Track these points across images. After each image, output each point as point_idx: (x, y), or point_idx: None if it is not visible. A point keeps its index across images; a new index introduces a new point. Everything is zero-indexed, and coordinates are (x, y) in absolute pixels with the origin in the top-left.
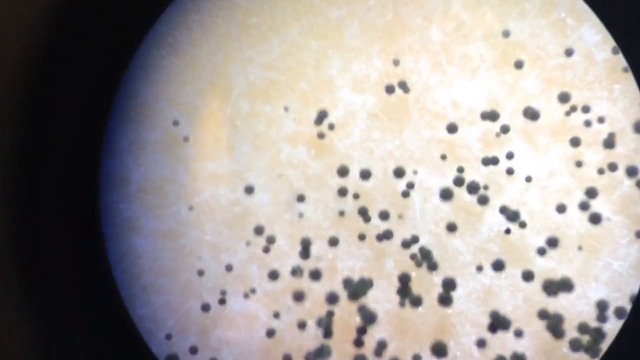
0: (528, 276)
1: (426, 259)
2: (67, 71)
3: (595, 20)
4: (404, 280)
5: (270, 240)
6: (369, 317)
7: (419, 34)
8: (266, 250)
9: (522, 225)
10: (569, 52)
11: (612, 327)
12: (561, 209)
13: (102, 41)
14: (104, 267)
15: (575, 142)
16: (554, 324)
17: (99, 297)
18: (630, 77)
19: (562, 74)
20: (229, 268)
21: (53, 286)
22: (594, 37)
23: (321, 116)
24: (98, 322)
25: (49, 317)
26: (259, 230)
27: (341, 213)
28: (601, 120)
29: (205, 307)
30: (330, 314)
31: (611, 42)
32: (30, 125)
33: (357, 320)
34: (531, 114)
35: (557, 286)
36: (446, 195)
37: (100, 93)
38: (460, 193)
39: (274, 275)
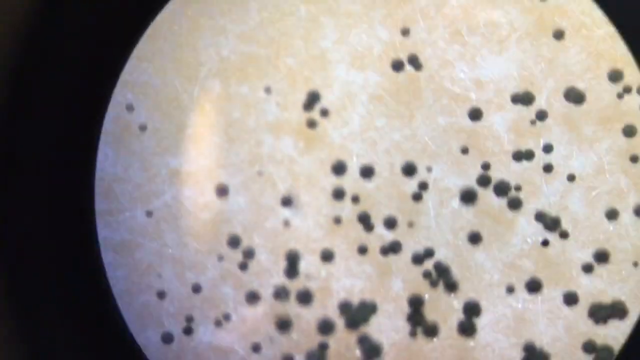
0: (571, 299)
1: (443, 278)
2: None
3: None
4: (416, 304)
5: (249, 254)
6: (371, 351)
7: None
8: (243, 266)
9: (564, 235)
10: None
11: None
12: (612, 215)
13: None
14: None
15: (629, 131)
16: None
17: None
18: None
19: (612, 46)
20: (196, 289)
21: None
22: None
23: (312, 99)
24: None
25: None
26: (234, 242)
27: (337, 220)
28: None
29: (167, 338)
30: (323, 347)
31: None
32: None
33: (357, 354)
34: (574, 97)
35: (607, 312)
36: (468, 198)
37: None
38: (486, 195)
39: (252, 298)
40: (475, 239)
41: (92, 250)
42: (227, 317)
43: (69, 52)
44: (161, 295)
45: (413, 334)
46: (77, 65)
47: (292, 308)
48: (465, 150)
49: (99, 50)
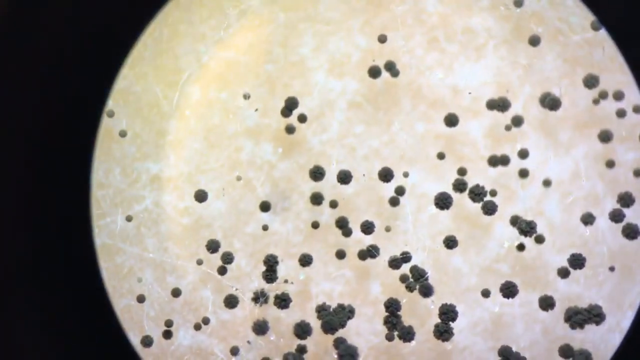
0: (547, 304)
1: (420, 282)
2: None
3: None
4: (393, 308)
5: (228, 259)
6: (349, 354)
7: (412, 4)
8: (222, 271)
9: (539, 240)
10: (597, 26)
11: None
12: (588, 220)
13: None
14: None
15: (605, 136)
16: None
17: None
18: None
19: (589, 52)
20: (176, 293)
21: None
22: None
23: (290, 106)
24: None
25: None
26: (213, 247)
27: (315, 225)
28: (637, 109)
29: (147, 342)
30: (301, 351)
31: None
32: None
33: (335, 358)
34: (550, 102)
35: (583, 317)
36: (445, 203)
37: None
38: (462, 200)
39: (231, 303)
40: (451, 243)
41: (89, 257)
42: (206, 321)
43: (54, 60)
44: (141, 300)
45: (390, 338)
46: (72, 71)
47: (271, 312)
48: (442, 156)
49: (90, 60)
